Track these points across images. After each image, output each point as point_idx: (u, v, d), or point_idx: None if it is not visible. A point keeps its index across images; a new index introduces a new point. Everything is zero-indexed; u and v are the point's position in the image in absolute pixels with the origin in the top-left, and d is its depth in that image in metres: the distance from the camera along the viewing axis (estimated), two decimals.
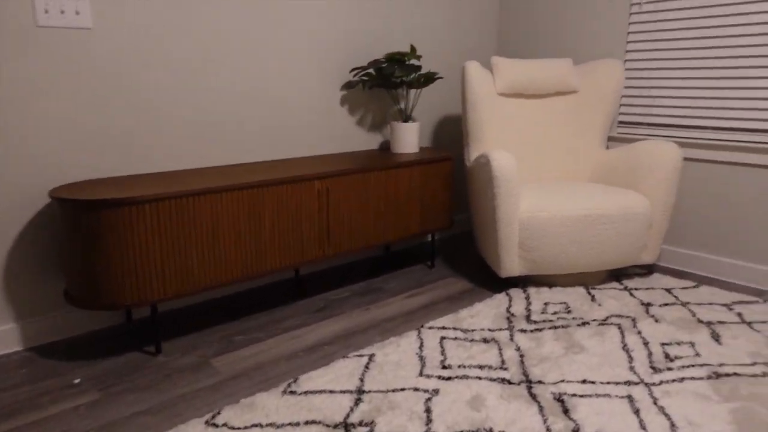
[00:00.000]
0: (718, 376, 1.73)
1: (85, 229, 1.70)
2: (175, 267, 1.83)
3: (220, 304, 2.34)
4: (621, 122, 2.90)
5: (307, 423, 1.50)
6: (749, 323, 2.10)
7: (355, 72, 2.61)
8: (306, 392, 1.65)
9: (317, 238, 2.19)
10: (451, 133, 3.23)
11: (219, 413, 1.54)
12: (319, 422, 1.51)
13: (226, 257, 1.94)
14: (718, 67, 2.51)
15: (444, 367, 1.79)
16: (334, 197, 2.21)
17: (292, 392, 1.65)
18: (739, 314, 2.18)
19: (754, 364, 1.80)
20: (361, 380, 1.72)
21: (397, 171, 2.41)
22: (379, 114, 2.83)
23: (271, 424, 1.49)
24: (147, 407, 1.60)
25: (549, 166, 2.80)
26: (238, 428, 1.48)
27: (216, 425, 1.49)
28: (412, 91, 2.91)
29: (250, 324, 2.15)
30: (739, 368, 1.77)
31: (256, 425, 1.49)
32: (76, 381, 1.74)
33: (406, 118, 2.66)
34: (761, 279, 2.49)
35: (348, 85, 2.64)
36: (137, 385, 1.72)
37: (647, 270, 2.71)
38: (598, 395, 1.63)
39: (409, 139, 2.59)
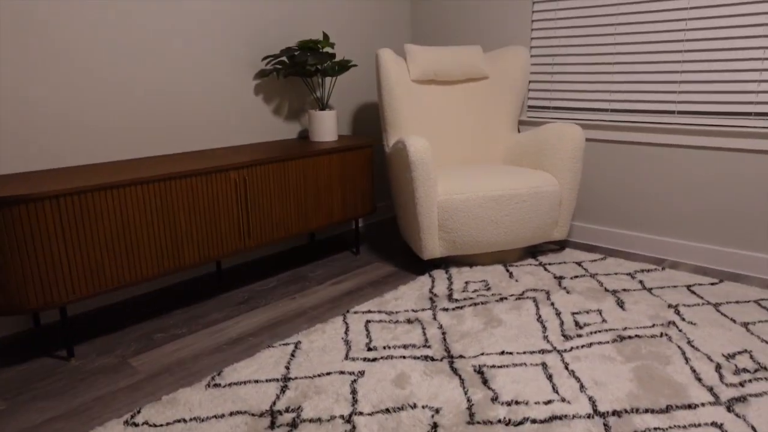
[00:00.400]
0: (621, 339, 1.87)
1: None
2: (83, 266, 1.74)
3: (137, 302, 2.26)
4: (530, 106, 3.04)
5: (232, 414, 1.49)
6: (650, 289, 2.28)
7: (268, 60, 2.57)
8: (230, 384, 1.63)
9: (237, 230, 2.15)
10: (371, 121, 3.26)
11: (139, 412, 1.49)
12: (245, 412, 1.49)
13: (140, 254, 1.87)
14: (615, 53, 2.69)
15: (369, 350, 1.83)
16: (252, 188, 2.17)
17: (216, 385, 1.62)
18: (641, 282, 2.36)
19: (653, 325, 1.96)
20: (287, 368, 1.72)
21: (316, 159, 2.40)
22: (296, 103, 2.80)
23: (195, 419, 1.47)
24: (60, 413, 1.52)
25: (464, 150, 2.89)
26: (160, 425, 1.44)
27: (136, 424, 1.44)
28: (328, 79, 2.91)
29: (171, 321, 2.09)
30: (640, 330, 1.92)
31: (179, 421, 1.46)
32: None
33: (323, 106, 2.66)
34: (660, 248, 2.71)
35: (262, 74, 2.59)
36: (49, 392, 1.63)
37: (560, 246, 2.88)
38: (514, 365, 1.72)
39: (327, 127, 2.59)
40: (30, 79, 1.90)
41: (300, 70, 2.52)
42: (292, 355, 1.79)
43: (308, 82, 2.80)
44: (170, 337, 1.96)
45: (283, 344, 1.87)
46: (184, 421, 1.46)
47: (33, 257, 1.63)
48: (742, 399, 1.52)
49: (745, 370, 1.66)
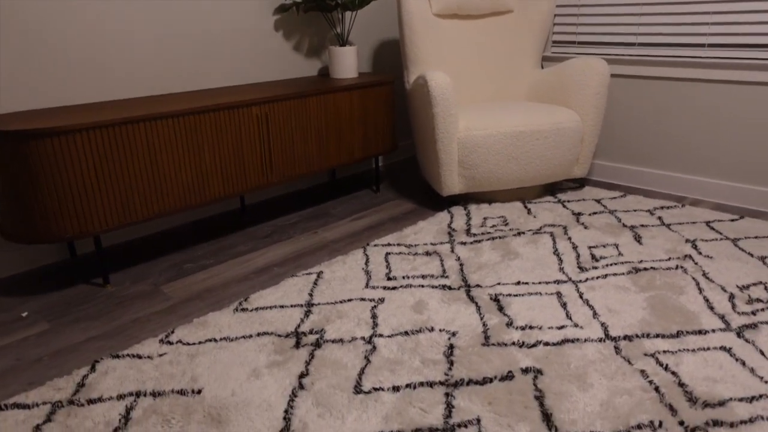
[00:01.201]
0: (637, 271, 1.90)
1: (18, 161, 1.65)
2: (115, 197, 1.81)
3: (167, 235, 2.35)
4: (555, 42, 2.97)
5: (259, 335, 1.58)
6: (668, 225, 2.29)
7: None
8: (257, 308, 1.72)
9: (260, 165, 2.19)
10: (391, 58, 3.22)
11: (173, 332, 1.59)
12: (271, 333, 1.58)
13: (167, 186, 1.93)
14: None
15: (389, 279, 1.89)
16: (274, 123, 2.20)
17: (244, 309, 1.71)
18: (660, 218, 2.37)
19: (669, 259, 1.98)
20: (310, 295, 1.80)
21: (337, 96, 2.41)
22: (317, 39, 2.78)
23: (225, 338, 1.56)
24: (100, 332, 1.64)
25: (486, 86, 2.86)
26: (193, 343, 1.54)
27: (170, 342, 1.54)
28: (348, 14, 2.86)
29: (199, 252, 2.18)
30: (656, 263, 1.95)
31: (210, 340, 1.55)
32: (24, 314, 1.75)
33: (344, 42, 2.63)
34: (681, 186, 2.69)
35: (281, 9, 2.57)
36: (88, 314, 1.74)
37: (580, 183, 2.87)
38: (530, 294, 1.78)
39: (347, 63, 2.58)
40: (63, 17, 1.92)
41: (320, 4, 2.49)
42: (315, 284, 1.87)
43: (328, 17, 2.76)
44: (199, 267, 2.05)
45: (306, 274, 1.94)
46: (215, 340, 1.56)
47: (68, 188, 1.71)
48: (753, 326, 1.55)
49: (758, 300, 1.68)
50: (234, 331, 1.60)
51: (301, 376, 1.40)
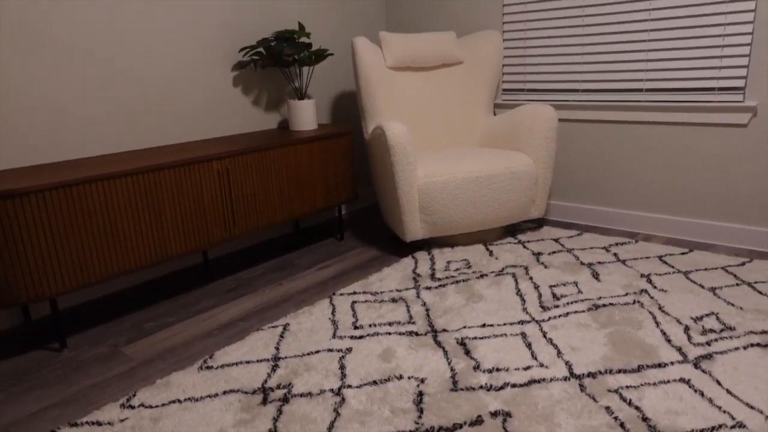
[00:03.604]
0: (596, 307, 1.96)
1: None
2: (71, 259, 1.77)
3: (127, 294, 2.29)
4: (504, 90, 3.11)
5: (225, 393, 1.54)
6: (623, 261, 2.37)
7: (245, 51, 2.60)
8: (222, 366, 1.68)
9: (222, 219, 2.19)
10: (350, 108, 3.31)
11: (134, 395, 1.54)
12: (238, 390, 1.55)
13: (127, 245, 1.91)
14: (584, 35, 2.76)
15: (356, 328, 1.89)
16: (235, 177, 2.22)
17: (209, 367, 1.68)
18: (615, 254, 2.46)
19: (626, 294, 2.05)
20: (277, 348, 1.77)
21: (297, 148, 2.45)
22: (275, 93, 2.84)
23: (189, 399, 1.52)
24: (57, 400, 1.57)
25: (441, 134, 2.95)
26: (156, 406, 1.49)
27: (132, 407, 1.49)
28: (305, 69, 2.94)
29: (161, 310, 2.13)
30: (614, 299, 2.01)
31: (174, 401, 1.51)
32: None
33: (302, 95, 2.70)
34: (634, 223, 2.81)
35: (239, 66, 2.63)
36: (44, 381, 1.67)
37: (538, 224, 2.96)
38: (495, 336, 1.80)
39: (306, 116, 2.64)
40: (11, 74, 1.91)
41: (277, 60, 2.56)
42: (281, 337, 1.85)
43: (286, 72, 2.83)
44: (161, 326, 2.00)
45: (272, 327, 1.92)
46: (179, 401, 1.51)
47: (22, 251, 1.66)
48: (708, 356, 1.61)
49: (711, 331, 1.75)
50: (199, 391, 1.56)
51: None
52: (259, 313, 2.08)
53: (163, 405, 1.49)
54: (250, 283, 2.37)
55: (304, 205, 2.53)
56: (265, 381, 1.59)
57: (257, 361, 1.70)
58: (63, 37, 2.03)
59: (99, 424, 1.43)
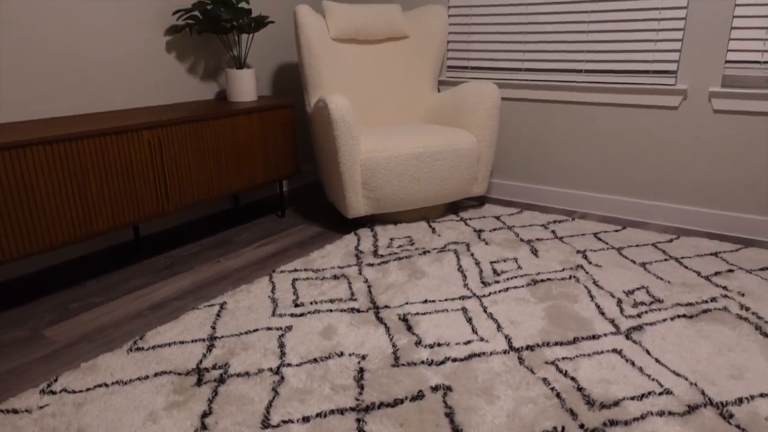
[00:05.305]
0: (535, 283, 1.99)
1: None
2: None
3: (50, 273, 2.14)
4: (449, 66, 3.10)
5: (156, 375, 1.47)
6: (561, 238, 2.43)
7: (179, 15, 2.45)
8: (154, 346, 1.60)
9: (154, 193, 2.07)
10: (292, 81, 3.20)
11: (56, 380, 1.44)
12: (170, 372, 1.48)
13: (46, 220, 1.77)
14: (528, 13, 2.77)
15: (296, 305, 1.84)
16: (168, 149, 2.10)
17: (139, 349, 1.59)
18: (553, 231, 2.51)
19: (563, 270, 2.10)
20: (213, 328, 1.70)
21: (235, 119, 2.35)
22: (212, 61, 2.70)
23: (117, 382, 1.44)
24: None
25: (385, 109, 2.91)
26: (80, 391, 1.40)
27: (54, 392, 1.39)
28: (245, 37, 2.81)
29: (88, 290, 2.01)
30: (551, 275, 2.06)
31: (100, 385, 1.42)
32: None
33: (241, 65, 2.58)
34: (571, 201, 2.88)
35: (173, 30, 2.47)
36: None
37: (480, 202, 2.99)
38: (437, 311, 1.80)
39: (245, 86, 2.53)
40: None
41: (214, 26, 2.42)
42: (218, 315, 1.78)
43: (224, 39, 2.70)
44: (87, 306, 1.88)
45: (208, 305, 1.85)
46: (106, 385, 1.43)
47: None
48: (638, 328, 1.67)
49: (642, 303, 1.82)
50: (128, 374, 1.47)
51: (204, 415, 1.31)
52: (195, 291, 1.99)
53: (88, 389, 1.40)
54: (186, 260, 2.27)
55: (242, 180, 2.43)
56: (200, 361, 1.53)
57: (192, 341, 1.63)
58: None
59: (15, 411, 1.33)
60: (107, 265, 2.22)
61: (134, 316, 1.82)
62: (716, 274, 2.04)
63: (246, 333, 1.67)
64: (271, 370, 1.49)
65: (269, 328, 1.70)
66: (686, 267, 2.10)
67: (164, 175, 2.10)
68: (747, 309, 1.77)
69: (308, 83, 2.68)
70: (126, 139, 1.94)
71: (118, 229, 1.98)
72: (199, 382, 1.44)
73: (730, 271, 2.06)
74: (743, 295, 1.87)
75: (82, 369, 1.49)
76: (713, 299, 1.84)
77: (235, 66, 2.79)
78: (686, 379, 1.42)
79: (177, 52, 2.52)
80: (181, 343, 1.62)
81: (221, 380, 1.44)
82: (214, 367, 1.50)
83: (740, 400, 1.34)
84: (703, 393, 1.37)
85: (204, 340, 1.64)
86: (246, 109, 2.37)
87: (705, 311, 1.76)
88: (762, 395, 1.36)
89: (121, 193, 1.96)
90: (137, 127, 1.97)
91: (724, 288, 1.92)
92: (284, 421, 1.29)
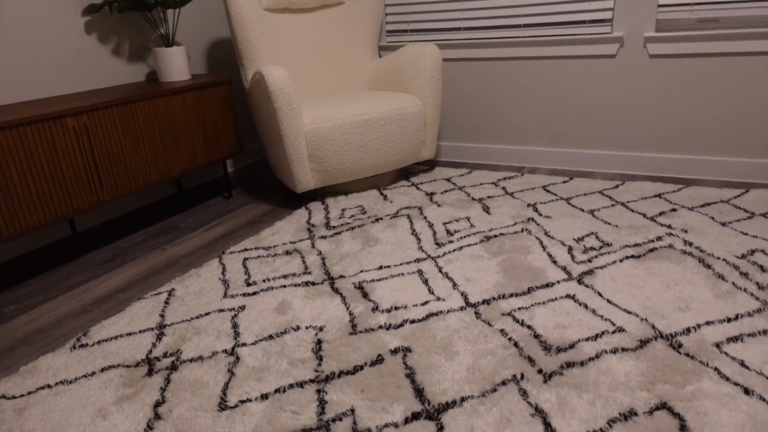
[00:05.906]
0: (488, 239, 2.00)
1: None
2: None
3: None
4: (389, 31, 3.04)
5: (103, 370, 1.40)
6: (511, 194, 2.44)
7: None
8: (99, 341, 1.52)
9: (86, 183, 1.96)
10: (228, 57, 3.07)
11: None
12: (118, 365, 1.41)
13: None
14: None
15: (249, 285, 1.79)
16: (96, 135, 1.98)
17: (83, 345, 1.51)
18: (504, 188, 2.52)
19: (515, 224, 2.11)
20: (162, 316, 1.64)
21: (168, 100, 2.23)
22: (138, 41, 2.56)
23: (61, 382, 1.36)
24: None
25: (326, 78, 2.84)
26: (20, 396, 1.32)
27: None
28: (171, 13, 2.67)
29: (24, 291, 1.90)
30: (504, 230, 2.06)
31: (42, 388, 1.34)
32: None
33: (170, 42, 2.45)
34: (520, 157, 2.90)
35: (91, 9, 2.32)
36: None
37: (430, 165, 2.97)
38: (392, 276, 1.78)
39: (177, 65, 2.40)
40: None
41: (136, 3, 2.28)
42: (166, 303, 1.71)
43: (148, 16, 2.55)
44: (24, 308, 1.78)
45: (155, 294, 1.77)
46: (49, 386, 1.35)
47: None
48: (590, 272, 1.70)
49: (591, 249, 1.85)
50: (72, 372, 1.40)
51: (157, 404, 1.26)
52: (141, 281, 1.91)
53: (30, 393, 1.33)
54: (129, 251, 2.17)
55: (182, 162, 2.33)
56: (150, 351, 1.47)
57: (140, 331, 1.56)
58: None
59: None
60: (44, 264, 2.11)
61: (77, 313, 1.73)
62: (660, 214, 2.09)
63: (197, 317, 1.62)
64: (225, 351, 1.44)
65: (221, 310, 1.64)
66: (632, 210, 2.15)
67: (95, 163, 1.98)
68: (690, 244, 1.82)
69: (243, 57, 2.57)
70: (48, 127, 1.82)
71: (50, 225, 1.86)
72: (150, 372, 1.38)
73: (674, 210, 2.11)
74: (686, 231, 1.92)
75: (21, 373, 1.41)
76: (659, 238, 1.88)
77: (163, 44, 2.65)
78: (637, 316, 1.45)
79: (98, 34, 2.37)
80: (129, 335, 1.55)
81: (173, 367, 1.39)
82: (165, 356, 1.44)
83: (688, 330, 1.38)
84: (653, 327, 1.40)
85: (153, 329, 1.57)
86: (179, 89, 2.26)
87: (652, 250, 1.80)
88: (708, 323, 1.40)
89: (49, 185, 1.84)
90: (59, 114, 1.84)
91: (669, 227, 1.97)
92: (242, 401, 1.25)
